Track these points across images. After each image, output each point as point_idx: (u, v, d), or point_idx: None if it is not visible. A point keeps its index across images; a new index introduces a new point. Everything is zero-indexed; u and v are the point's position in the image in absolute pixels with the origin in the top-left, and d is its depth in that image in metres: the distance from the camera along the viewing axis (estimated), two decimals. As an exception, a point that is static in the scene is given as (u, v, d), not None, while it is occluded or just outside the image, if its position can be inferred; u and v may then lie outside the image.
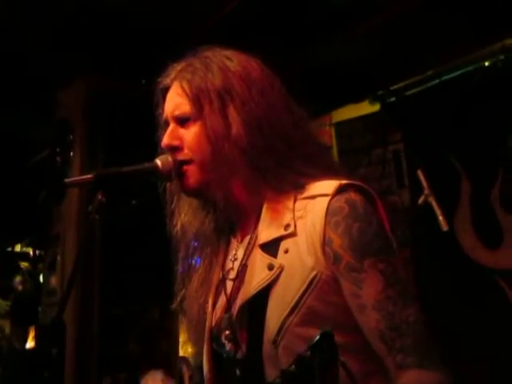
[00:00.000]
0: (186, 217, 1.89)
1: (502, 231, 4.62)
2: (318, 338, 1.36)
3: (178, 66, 1.84)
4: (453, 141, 4.88)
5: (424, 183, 4.33)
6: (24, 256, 7.29)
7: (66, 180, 1.72)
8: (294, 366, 1.33)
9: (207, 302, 1.87)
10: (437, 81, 5.04)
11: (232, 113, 1.73)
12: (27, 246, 7.38)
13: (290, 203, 1.70)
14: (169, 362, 5.28)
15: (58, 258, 5.33)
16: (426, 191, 4.30)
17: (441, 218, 4.19)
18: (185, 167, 1.77)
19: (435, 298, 4.80)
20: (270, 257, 1.67)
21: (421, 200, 4.32)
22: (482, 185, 4.72)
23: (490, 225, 4.70)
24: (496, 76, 4.69)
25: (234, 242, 1.86)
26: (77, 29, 4.47)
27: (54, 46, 4.68)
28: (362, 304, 1.58)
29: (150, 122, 1.94)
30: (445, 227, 4.16)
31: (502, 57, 4.64)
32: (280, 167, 1.71)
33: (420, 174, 4.39)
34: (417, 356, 1.53)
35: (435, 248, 4.88)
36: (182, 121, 1.78)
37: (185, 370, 6.16)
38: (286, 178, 1.71)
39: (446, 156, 4.88)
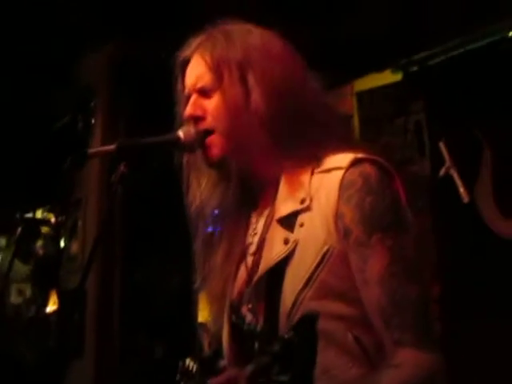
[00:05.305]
0: (205, 189, 1.90)
1: (523, 202, 4.60)
2: (300, 319, 1.38)
3: (199, 39, 1.85)
4: (476, 112, 4.84)
5: (446, 156, 4.30)
6: (45, 221, 7.33)
7: (89, 151, 1.75)
8: (277, 347, 1.36)
9: (230, 276, 1.89)
10: (461, 50, 5.00)
11: (251, 83, 1.75)
12: (48, 211, 7.42)
13: (307, 178, 1.71)
14: (188, 327, 5.32)
15: (79, 223, 5.38)
16: (448, 163, 4.27)
17: (462, 189, 4.17)
18: (208, 139, 1.78)
19: (455, 269, 4.82)
20: (286, 231, 1.70)
21: (442, 172, 4.29)
22: (505, 156, 4.69)
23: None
24: (521, 46, 4.64)
25: (254, 216, 1.89)
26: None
27: (78, 11, 4.67)
28: (365, 279, 1.59)
29: (173, 90, 1.94)
30: (466, 199, 4.14)
31: (528, 27, 4.59)
32: (297, 137, 1.74)
33: (442, 146, 4.36)
34: (414, 334, 1.54)
35: (455, 218, 4.87)
36: (205, 92, 1.80)
37: (204, 336, 6.23)
38: (303, 149, 1.73)
39: (468, 127, 4.85)
